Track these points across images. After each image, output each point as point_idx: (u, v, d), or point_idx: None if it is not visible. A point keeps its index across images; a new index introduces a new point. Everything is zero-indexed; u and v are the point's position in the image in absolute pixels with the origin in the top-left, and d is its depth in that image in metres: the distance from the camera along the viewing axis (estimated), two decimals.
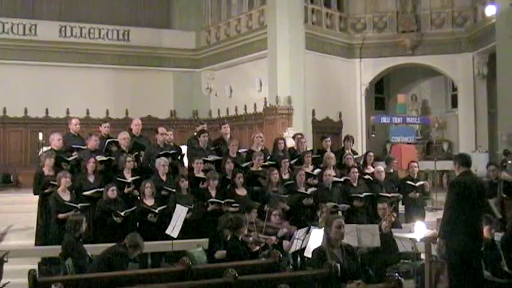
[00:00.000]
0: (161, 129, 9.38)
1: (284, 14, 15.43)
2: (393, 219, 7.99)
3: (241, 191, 8.65)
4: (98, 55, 18.22)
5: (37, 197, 8.40)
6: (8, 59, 17.08)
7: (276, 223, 7.86)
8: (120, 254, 6.16)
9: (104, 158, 8.71)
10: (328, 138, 10.34)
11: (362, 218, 8.85)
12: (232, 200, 8.39)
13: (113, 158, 8.78)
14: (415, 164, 10.02)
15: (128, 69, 18.56)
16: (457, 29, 17.24)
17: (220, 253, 6.89)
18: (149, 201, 8.14)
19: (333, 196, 8.95)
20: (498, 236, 6.72)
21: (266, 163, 9.31)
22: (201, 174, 8.81)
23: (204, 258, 7.14)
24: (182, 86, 19.44)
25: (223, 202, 8.25)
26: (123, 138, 9.05)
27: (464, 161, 6.03)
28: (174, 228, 7.41)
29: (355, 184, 9.31)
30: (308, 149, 10.61)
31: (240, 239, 6.92)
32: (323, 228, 6.31)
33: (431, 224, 7.49)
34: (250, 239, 7.02)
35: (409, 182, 9.63)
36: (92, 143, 8.84)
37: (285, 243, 7.60)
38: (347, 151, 10.17)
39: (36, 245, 8.26)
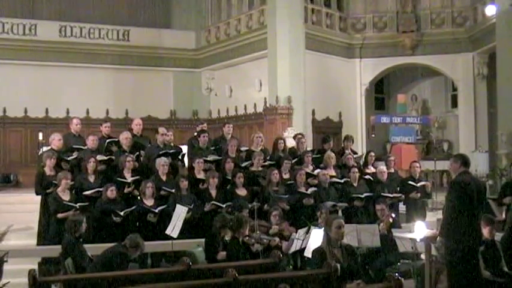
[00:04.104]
0: (161, 130, 9.40)
1: (284, 14, 15.42)
2: (391, 220, 7.98)
3: (242, 191, 8.65)
4: (98, 55, 18.21)
5: (37, 197, 8.41)
6: (8, 59, 17.05)
7: (276, 223, 7.86)
8: (121, 254, 6.17)
9: (105, 158, 8.71)
10: (331, 142, 10.33)
11: (362, 218, 8.85)
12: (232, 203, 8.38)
13: (113, 158, 8.78)
14: (417, 164, 10.00)
15: (128, 69, 18.55)
16: (457, 29, 17.24)
17: (222, 255, 6.88)
18: (149, 201, 8.14)
19: (330, 195, 8.95)
20: (498, 236, 6.72)
21: (266, 163, 9.31)
22: (202, 174, 8.81)
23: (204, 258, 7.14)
24: (182, 86, 19.43)
25: (223, 206, 8.25)
26: (124, 138, 9.04)
27: (465, 161, 6.09)
28: (174, 228, 7.41)
29: (355, 184, 9.31)
30: (308, 149, 10.61)
31: (240, 240, 6.90)
32: (323, 228, 6.31)
33: (432, 224, 7.50)
34: (253, 240, 6.99)
35: (410, 182, 9.62)
36: (90, 143, 8.85)
37: (284, 243, 7.60)
38: (347, 151, 10.17)
39: (38, 244, 8.26)
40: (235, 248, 6.78)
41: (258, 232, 7.24)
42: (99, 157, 8.63)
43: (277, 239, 7.49)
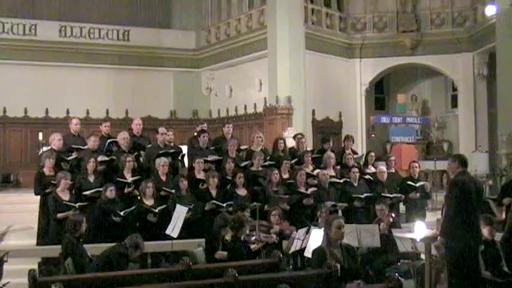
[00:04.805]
0: (161, 129, 9.38)
1: (284, 14, 15.42)
2: (391, 220, 7.98)
3: (242, 191, 8.65)
4: (98, 55, 18.22)
5: (37, 197, 8.40)
6: (8, 59, 17.08)
7: (276, 223, 7.86)
8: (121, 254, 6.16)
9: (106, 158, 8.71)
10: (331, 142, 10.34)
11: (362, 218, 8.84)
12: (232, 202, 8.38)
13: (114, 158, 8.76)
14: (416, 164, 10.01)
15: (128, 69, 18.56)
16: (457, 29, 17.24)
17: (220, 254, 6.87)
18: (149, 201, 8.14)
19: (330, 196, 8.95)
20: (498, 236, 6.72)
21: (266, 163, 9.31)
22: (202, 175, 8.81)
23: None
24: (182, 86, 19.44)
25: (224, 205, 8.25)
26: (122, 138, 9.04)
27: (463, 161, 6.14)
28: (174, 228, 7.41)
29: (355, 184, 9.31)
30: (308, 149, 10.61)
31: (241, 239, 6.88)
32: (323, 228, 6.31)
33: (432, 224, 7.50)
34: (252, 238, 6.99)
35: (409, 183, 9.62)
36: (91, 143, 8.84)
37: (284, 242, 7.59)
38: (347, 151, 10.17)
39: (37, 244, 8.26)
40: (236, 247, 6.76)
41: (257, 231, 7.22)
42: (101, 158, 8.63)
43: (274, 236, 7.48)
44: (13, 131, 17.54)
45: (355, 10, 18.03)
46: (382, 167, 9.75)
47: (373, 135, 16.96)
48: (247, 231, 6.99)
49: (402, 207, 9.87)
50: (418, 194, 9.59)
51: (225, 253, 6.79)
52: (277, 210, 7.99)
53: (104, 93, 18.14)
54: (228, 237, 6.95)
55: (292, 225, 8.07)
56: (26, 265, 6.70)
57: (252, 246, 6.94)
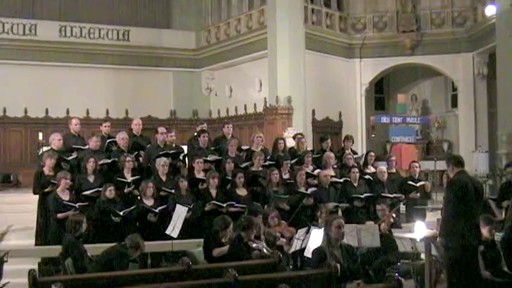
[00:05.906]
0: (161, 129, 9.37)
1: (284, 14, 15.43)
2: (392, 220, 7.98)
3: (242, 191, 8.64)
4: (98, 55, 18.23)
5: (37, 196, 8.40)
6: (8, 59, 17.09)
7: (274, 224, 7.83)
8: (121, 254, 6.15)
9: (108, 161, 8.71)
10: (329, 140, 10.34)
11: (362, 218, 8.84)
12: (233, 203, 8.37)
13: (116, 160, 8.76)
14: (417, 164, 10.02)
15: (128, 69, 18.58)
16: (457, 29, 17.25)
17: (219, 250, 6.82)
18: (149, 201, 8.13)
19: (330, 196, 8.94)
20: (498, 236, 6.72)
21: (266, 163, 9.31)
22: (202, 175, 8.80)
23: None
24: (182, 86, 19.46)
25: (224, 205, 8.24)
26: (121, 138, 9.04)
27: (457, 161, 6.14)
28: (174, 228, 7.41)
29: (355, 184, 9.30)
30: (308, 149, 10.61)
31: (244, 240, 6.85)
32: (323, 228, 6.30)
33: (432, 224, 7.50)
34: (254, 245, 6.93)
35: (410, 182, 9.63)
36: (93, 143, 8.85)
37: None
38: (347, 151, 10.17)
39: (36, 244, 8.26)
40: (238, 247, 6.72)
41: (262, 240, 7.17)
42: (103, 160, 8.63)
43: (277, 252, 7.37)
44: (13, 131, 17.56)
45: (355, 10, 18.03)
46: (382, 167, 9.74)
47: (373, 135, 16.97)
48: (252, 237, 6.94)
49: (402, 207, 9.86)
50: (418, 194, 9.59)
51: (225, 248, 6.73)
52: (274, 212, 7.95)
53: (104, 93, 18.15)
54: (224, 239, 6.89)
55: (292, 225, 8.05)
56: (26, 265, 6.71)
57: (253, 254, 6.85)
